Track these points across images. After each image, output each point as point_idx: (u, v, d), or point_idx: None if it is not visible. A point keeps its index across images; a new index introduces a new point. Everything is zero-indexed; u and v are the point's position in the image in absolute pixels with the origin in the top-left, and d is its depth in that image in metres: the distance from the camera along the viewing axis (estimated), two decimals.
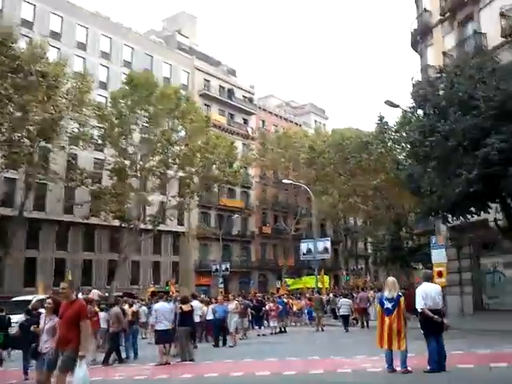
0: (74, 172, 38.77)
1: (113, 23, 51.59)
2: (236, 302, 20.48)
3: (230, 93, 60.63)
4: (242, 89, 63.24)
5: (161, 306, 14.83)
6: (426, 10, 31.87)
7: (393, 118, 43.50)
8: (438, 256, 23.39)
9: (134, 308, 21.54)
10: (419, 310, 9.89)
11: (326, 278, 40.55)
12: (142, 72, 43.88)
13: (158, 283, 46.95)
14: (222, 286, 44.05)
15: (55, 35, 44.82)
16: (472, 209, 18.99)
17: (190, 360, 14.39)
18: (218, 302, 20.38)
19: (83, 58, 46.61)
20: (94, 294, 28.38)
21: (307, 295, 32.51)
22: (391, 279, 10.56)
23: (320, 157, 45.67)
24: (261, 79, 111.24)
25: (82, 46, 47.41)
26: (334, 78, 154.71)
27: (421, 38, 32.94)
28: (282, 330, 24.88)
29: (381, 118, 43.72)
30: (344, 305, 24.83)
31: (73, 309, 7.82)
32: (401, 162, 22.92)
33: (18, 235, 35.59)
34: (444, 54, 29.54)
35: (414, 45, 34.28)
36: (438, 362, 9.62)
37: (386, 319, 9.89)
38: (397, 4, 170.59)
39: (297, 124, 67.30)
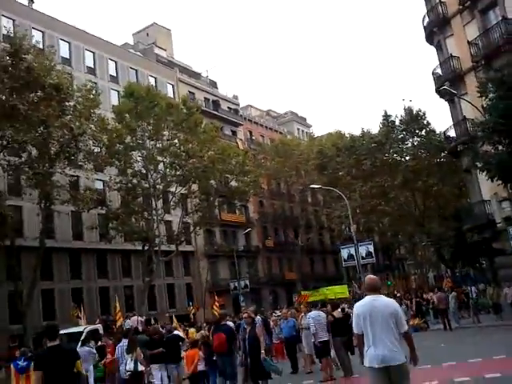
0: (79, 195, 34.73)
1: (94, 37, 48.28)
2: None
3: (216, 104, 58.31)
4: (226, 100, 61.15)
5: (316, 314, 13.53)
6: (441, 2, 31.40)
7: (396, 116, 42.43)
8: None
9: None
10: None
11: (345, 287, 38.53)
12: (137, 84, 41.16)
13: (173, 307, 43.87)
14: (244, 304, 41.56)
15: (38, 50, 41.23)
16: None
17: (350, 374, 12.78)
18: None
19: (70, 74, 43.03)
20: (134, 320, 25.01)
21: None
22: None
23: (332, 161, 44.15)
24: (237, 90, 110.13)
25: (66, 62, 43.90)
26: (309, 85, 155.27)
27: (438, 29, 32.31)
28: None
29: (386, 117, 42.92)
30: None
31: None
32: (477, 151, 21.53)
33: (30, 266, 31.40)
34: (469, 43, 29.04)
35: (430, 38, 33.71)
36: None
37: None
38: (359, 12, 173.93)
39: (281, 133, 65.73)
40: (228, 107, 60.85)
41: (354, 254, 33.12)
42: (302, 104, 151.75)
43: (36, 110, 27.16)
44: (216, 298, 34.71)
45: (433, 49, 33.94)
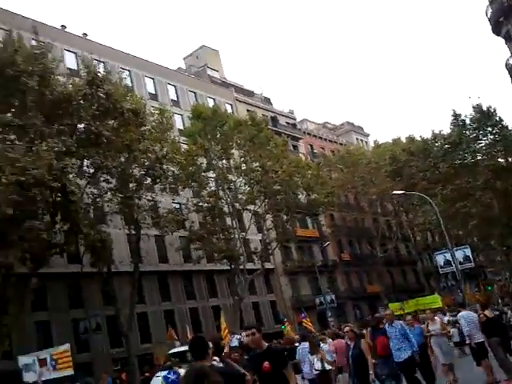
0: (164, 218, 33.75)
1: (150, 63, 48.42)
2: (438, 319, 14.29)
3: (275, 120, 57.56)
4: (283, 115, 60.47)
5: (468, 314, 12.65)
6: None
7: (465, 115, 40.48)
8: None
9: None
10: None
11: (437, 297, 36.20)
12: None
13: (261, 325, 42.86)
14: (331, 319, 40.24)
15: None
16: None
17: None
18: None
19: (142, 99, 43.19)
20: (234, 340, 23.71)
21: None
22: None
23: (406, 166, 42.73)
24: (290, 105, 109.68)
25: (130, 89, 43.88)
26: (362, 93, 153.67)
27: (504, 18, 30.78)
28: None
29: (456, 117, 41.09)
30: None
31: None
32: None
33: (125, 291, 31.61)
34: None
35: (496, 28, 32.16)
36: None
37: None
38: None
39: (341, 144, 64.47)
40: (286, 122, 60.14)
41: (451, 259, 31.38)
42: (357, 113, 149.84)
43: (118, 136, 27.03)
44: (305, 313, 33.81)
45: (498, 40, 32.31)
